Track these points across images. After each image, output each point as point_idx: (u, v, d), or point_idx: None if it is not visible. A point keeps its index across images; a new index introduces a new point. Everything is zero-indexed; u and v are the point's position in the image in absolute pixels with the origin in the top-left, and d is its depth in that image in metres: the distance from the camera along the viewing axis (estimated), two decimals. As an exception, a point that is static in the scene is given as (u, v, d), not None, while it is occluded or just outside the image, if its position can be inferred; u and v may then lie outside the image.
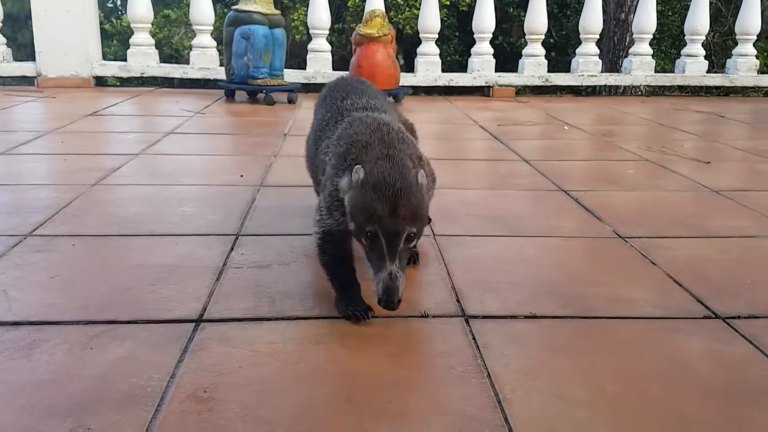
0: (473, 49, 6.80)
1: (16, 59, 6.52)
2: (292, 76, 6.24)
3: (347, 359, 1.50)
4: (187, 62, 6.64)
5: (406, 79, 6.39)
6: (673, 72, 7.19)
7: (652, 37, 7.03)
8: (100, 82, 6.61)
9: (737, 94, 7.32)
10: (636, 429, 1.24)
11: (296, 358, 1.46)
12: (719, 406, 1.31)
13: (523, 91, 7.10)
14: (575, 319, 1.69)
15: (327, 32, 6.67)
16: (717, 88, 7.47)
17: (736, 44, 7.21)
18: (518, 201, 2.82)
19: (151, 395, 1.31)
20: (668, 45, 12.96)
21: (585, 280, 1.95)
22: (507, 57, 8.13)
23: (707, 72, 7.06)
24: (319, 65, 6.58)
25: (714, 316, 1.70)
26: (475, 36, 6.78)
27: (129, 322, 1.61)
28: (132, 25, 6.61)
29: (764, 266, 2.06)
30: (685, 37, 7.09)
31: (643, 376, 1.43)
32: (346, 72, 5.89)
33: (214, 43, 6.60)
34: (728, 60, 7.28)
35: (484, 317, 1.67)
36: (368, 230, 1.46)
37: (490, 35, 6.73)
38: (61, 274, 1.90)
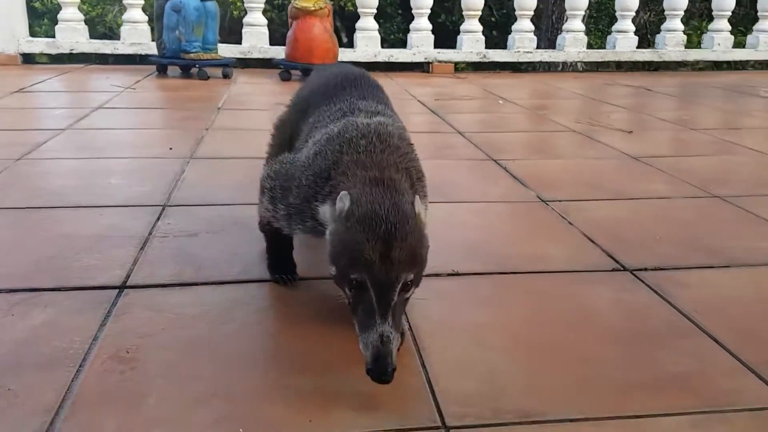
0: (412, 25, 6.83)
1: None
2: (227, 51, 6.12)
3: (274, 319, 1.53)
4: (118, 39, 6.43)
5: (346, 55, 6.37)
6: (605, 48, 7.40)
7: (585, 14, 7.21)
8: (28, 59, 6.33)
9: (667, 69, 7.59)
10: (546, 370, 1.32)
11: (223, 319, 1.48)
12: (622, 348, 1.41)
13: (465, 68, 7.18)
14: (495, 275, 1.77)
15: (262, 5, 6.56)
16: (648, 63, 7.73)
17: (665, 21, 7.47)
18: (452, 170, 2.89)
19: (72, 357, 1.31)
20: (605, 24, 13.28)
21: (506, 241, 2.03)
22: (449, 35, 8.21)
23: (639, 48, 7.30)
24: (256, 40, 6.49)
25: (622, 268, 1.81)
26: (413, 11, 6.80)
27: (52, 290, 1.59)
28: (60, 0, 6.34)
29: (674, 224, 2.19)
30: (616, 13, 7.30)
31: (554, 323, 1.51)
32: (283, 47, 5.84)
33: (146, 18, 6.40)
34: (657, 35, 7.55)
35: (409, 276, 1.72)
36: (354, 278, 1.17)
37: (428, 11, 6.77)
38: (-20, 247, 1.86)
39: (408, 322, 1.49)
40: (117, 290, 1.60)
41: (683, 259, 1.88)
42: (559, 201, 2.39)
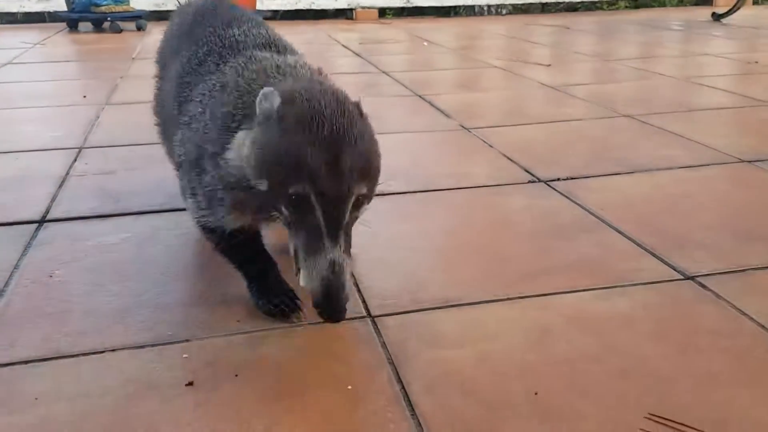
0: (334, -28, 6.72)
1: None
2: (140, 2, 5.88)
3: (198, 242, 1.55)
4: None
5: (265, 3, 6.24)
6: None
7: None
8: None
9: (594, 10, 7.77)
10: (462, 266, 1.40)
11: (147, 244, 1.49)
12: (534, 243, 1.50)
13: (398, 14, 7.14)
14: (419, 193, 1.83)
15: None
16: (573, 5, 7.88)
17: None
18: (377, 106, 2.92)
19: (-10, 285, 1.29)
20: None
21: (430, 164, 2.10)
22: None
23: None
24: (173, -8, 6.25)
25: (537, 180, 1.90)
26: (334, -42, 6.69)
27: (-35, 228, 1.55)
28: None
29: (585, 141, 2.30)
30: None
31: (471, 229, 1.59)
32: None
33: (53, -29, 6.05)
34: (576, -22, 7.69)
35: (334, 198, 1.76)
36: (293, 193, 0.93)
37: (350, -43, 6.66)
38: None
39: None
40: (36, 224, 1.57)
41: (592, 169, 2.00)
42: (481, 128, 2.46)
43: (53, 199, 1.72)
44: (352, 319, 1.19)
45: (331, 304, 0.95)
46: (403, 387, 1.00)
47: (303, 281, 0.97)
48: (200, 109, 1.15)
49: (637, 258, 1.42)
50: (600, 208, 1.68)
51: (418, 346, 1.10)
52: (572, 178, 1.91)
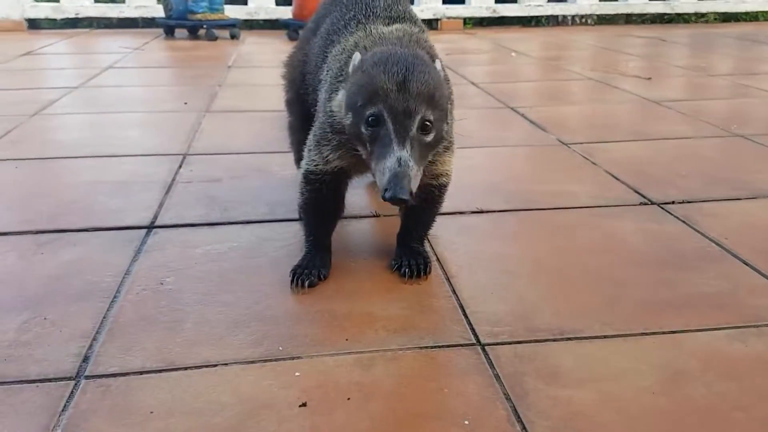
0: (420, -19, 6.70)
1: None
2: (233, 12, 6.04)
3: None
4: (123, 2, 6.35)
5: (353, 13, 6.27)
6: (617, 1, 7.25)
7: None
8: (33, 25, 6.28)
9: (680, 22, 7.45)
10: (576, 293, 1.32)
11: (253, 254, 1.48)
12: (651, 272, 1.40)
13: (478, 24, 7.06)
14: (519, 211, 1.76)
15: (269, -35, 6.45)
16: (660, 16, 7.57)
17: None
18: (467, 118, 2.86)
19: (106, 290, 1.32)
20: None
21: (529, 180, 2.02)
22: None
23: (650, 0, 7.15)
24: (262, 0, 6.39)
25: (649, 202, 1.79)
26: (421, -33, 6.67)
27: (79, 230, 1.60)
28: (62, -38, 6.25)
29: (696, 161, 2.16)
30: (628, -34, 7.13)
31: (579, 252, 1.51)
32: (290, 8, 5.75)
33: (151, -20, 6.31)
34: (670, -12, 7.37)
35: (434, 213, 1.71)
36: (370, 114, 1.13)
37: (437, -34, 6.64)
38: (4, 193, 1.87)
39: (435, 253, 1.50)
40: (146, 230, 1.60)
41: (708, 192, 1.87)
42: (580, 143, 2.36)
43: (161, 205, 1.75)
44: (461, 345, 1.14)
45: (395, 186, 1.07)
46: (524, 427, 0.94)
47: (376, 177, 1.13)
48: (330, 67, 1.40)
49: (772, 294, 1.30)
50: (723, 236, 1.56)
51: (536, 382, 1.04)
52: (688, 202, 1.79)
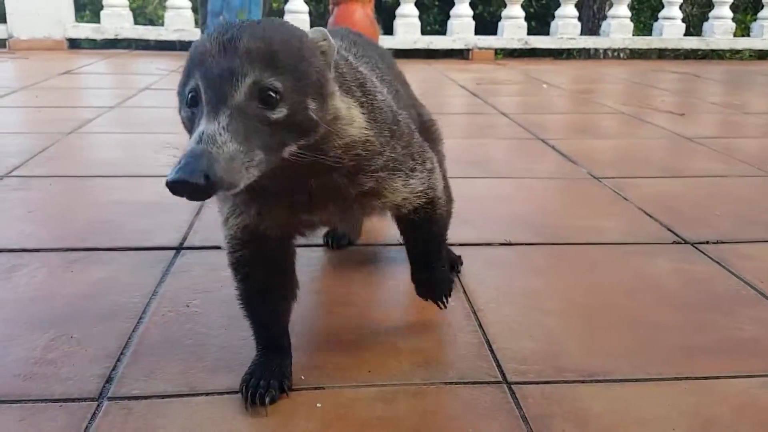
0: (452, 11, 6.77)
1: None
2: (269, 37, 6.15)
3: (329, 279, 1.53)
4: (162, 25, 6.52)
5: (385, 42, 6.35)
6: (651, 35, 7.23)
7: (630, 1, 7.04)
8: (74, 44, 6.47)
9: (714, 58, 7.39)
10: (606, 333, 1.29)
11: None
12: (684, 314, 1.36)
13: (509, 55, 7.09)
14: (548, 245, 1.74)
15: (304, -7, 6.59)
16: (694, 51, 7.53)
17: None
18: (495, 148, 2.86)
19: (132, 310, 1.32)
20: (647, 16, 12.99)
21: (558, 213, 1.99)
22: (487, 27, 8.11)
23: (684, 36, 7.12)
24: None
25: (683, 241, 1.76)
26: (454, -2, 6.75)
27: (108, 249, 1.62)
28: (105, -15, 6.46)
29: (731, 200, 2.12)
30: (663, 0, 7.12)
31: (612, 290, 1.48)
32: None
33: (189, 4, 6.48)
34: (705, 23, 7.34)
35: (460, 244, 1.70)
36: (189, 91, 0.86)
37: (470, -3, 6.70)
38: (38, 209, 1.90)
39: (461, 285, 1.48)
40: (174, 251, 1.61)
41: (744, 233, 1.82)
42: (612, 178, 2.33)
43: (190, 227, 1.77)
44: (486, 383, 1.11)
45: (183, 166, 0.75)
46: (551, 470, 0.91)
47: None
48: None
49: (811, 343, 1.25)
50: (759, 280, 1.52)
51: (565, 426, 1.01)
52: (722, 242, 1.75)
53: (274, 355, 1.10)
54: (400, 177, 1.06)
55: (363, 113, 0.98)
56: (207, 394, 1.06)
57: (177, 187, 0.76)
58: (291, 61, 0.87)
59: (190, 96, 0.85)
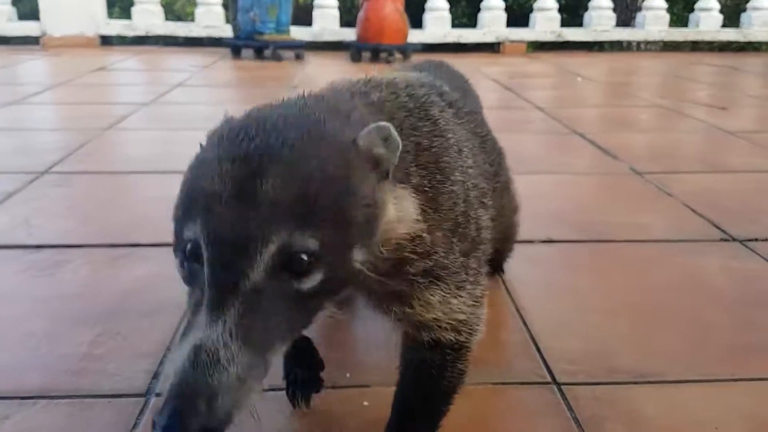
0: (483, 4, 6.70)
1: (21, 18, 6.47)
2: (298, 33, 6.17)
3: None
4: (192, 21, 6.57)
5: (415, 36, 6.32)
6: (687, 27, 7.07)
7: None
8: (106, 41, 6.56)
9: (749, 50, 7.19)
10: (656, 333, 1.25)
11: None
12: (737, 313, 1.32)
13: (540, 48, 7.00)
14: (591, 242, 1.70)
15: (334, -13, 6.58)
16: (731, 43, 7.34)
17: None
18: (531, 143, 2.81)
19: (177, 305, 1.32)
20: (681, 8, 12.74)
21: (600, 210, 1.95)
22: (517, 20, 8.02)
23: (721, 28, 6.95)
24: (326, 22, 6.50)
25: (731, 238, 1.70)
26: (484, -10, 6.68)
27: (152, 245, 1.63)
28: (137, -18, 6.53)
29: (780, 196, 2.06)
30: (699, -9, 6.96)
31: (660, 289, 1.44)
32: (353, 30, 5.83)
33: (220, 0, 6.52)
34: (742, 14, 7.15)
35: (501, 241, 1.67)
36: (188, 239, 0.62)
37: (501, -11, 6.63)
38: (79, 205, 1.92)
39: (503, 283, 1.45)
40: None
41: (795, 230, 1.76)
42: (654, 173, 2.28)
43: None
44: (535, 383, 1.09)
45: (174, 409, 0.54)
46: (608, 475, 0.89)
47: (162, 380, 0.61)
48: None
49: None
50: (814, 279, 1.46)
51: (618, 428, 0.98)
52: (772, 240, 1.70)
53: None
54: (440, 289, 0.79)
55: (419, 202, 0.73)
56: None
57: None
58: (333, 205, 0.61)
59: (189, 248, 0.62)
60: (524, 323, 1.28)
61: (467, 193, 0.83)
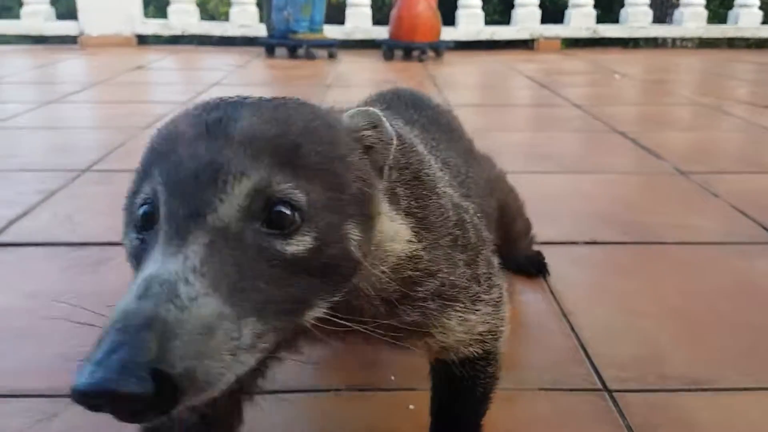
0: (517, 0, 6.62)
1: (58, 18, 6.60)
2: (331, 32, 6.18)
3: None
4: (227, 21, 6.63)
5: (447, 33, 6.27)
6: (725, 24, 6.89)
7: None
8: (142, 40, 6.66)
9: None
10: (708, 338, 1.21)
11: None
12: (794, 320, 1.27)
13: (574, 44, 6.90)
14: (637, 244, 1.66)
15: (367, -14, 6.57)
16: (766, 41, 7.13)
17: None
18: (570, 142, 2.76)
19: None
20: (717, 4, 12.46)
21: (645, 210, 1.90)
22: (551, 17, 7.93)
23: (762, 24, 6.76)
24: (359, 20, 6.50)
25: (783, 241, 1.65)
26: (518, -13, 6.60)
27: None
28: (172, -18, 6.61)
29: (834, 198, 1.98)
30: (740, -14, 6.78)
31: (710, 293, 1.39)
32: (385, 28, 5.82)
33: (254, 0, 6.56)
34: (785, 9, 6.95)
35: (543, 243, 1.63)
36: (141, 203, 0.56)
37: (535, -15, 6.55)
38: (120, 203, 1.93)
39: (548, 285, 1.42)
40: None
41: None
42: (701, 173, 2.22)
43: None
44: (585, 390, 1.06)
45: (106, 354, 0.42)
46: (665, 487, 0.85)
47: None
48: None
49: None
50: None
51: (674, 436, 0.95)
52: (827, 243, 1.63)
53: None
54: (456, 311, 0.75)
55: (408, 222, 0.69)
56: (291, 391, 1.04)
57: (92, 400, 0.42)
58: (321, 159, 0.54)
59: (141, 212, 0.53)
60: (572, 328, 1.25)
61: (454, 202, 0.80)
